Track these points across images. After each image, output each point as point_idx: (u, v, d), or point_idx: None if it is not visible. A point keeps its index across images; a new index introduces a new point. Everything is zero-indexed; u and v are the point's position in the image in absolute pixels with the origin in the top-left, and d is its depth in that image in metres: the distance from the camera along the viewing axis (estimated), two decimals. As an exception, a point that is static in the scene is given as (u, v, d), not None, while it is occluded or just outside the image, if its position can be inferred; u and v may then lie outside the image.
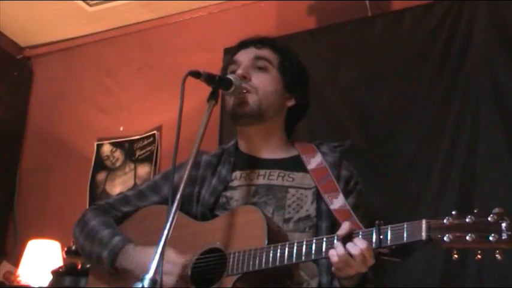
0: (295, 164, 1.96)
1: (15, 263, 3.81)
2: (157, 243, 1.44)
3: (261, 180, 1.93)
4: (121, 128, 4.07)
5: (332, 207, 1.82)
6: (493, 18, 2.92)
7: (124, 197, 2.06)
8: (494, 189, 2.67)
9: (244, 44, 2.07)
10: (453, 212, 1.47)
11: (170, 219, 1.47)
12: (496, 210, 1.43)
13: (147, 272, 1.36)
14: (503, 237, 1.39)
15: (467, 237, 1.42)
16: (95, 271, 2.02)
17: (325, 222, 1.85)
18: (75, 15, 4.18)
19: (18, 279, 3.63)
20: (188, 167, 1.62)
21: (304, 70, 2.10)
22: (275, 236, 1.70)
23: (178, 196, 1.53)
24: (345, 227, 1.62)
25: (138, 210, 2.02)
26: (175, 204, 1.51)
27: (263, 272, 1.67)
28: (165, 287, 1.67)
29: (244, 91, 1.92)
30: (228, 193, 1.93)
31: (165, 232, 1.45)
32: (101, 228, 1.92)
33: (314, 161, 1.95)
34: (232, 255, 1.70)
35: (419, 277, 2.72)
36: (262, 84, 1.96)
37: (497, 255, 1.41)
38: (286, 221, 1.84)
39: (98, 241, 1.89)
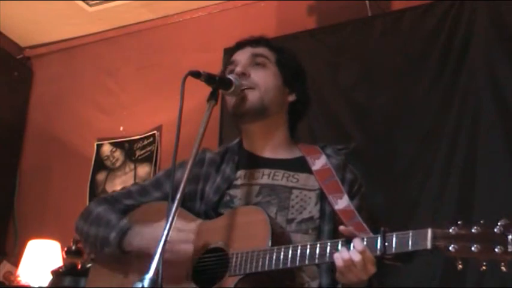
0: (300, 165, 1.96)
1: (15, 263, 3.81)
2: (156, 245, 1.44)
3: (265, 180, 1.92)
4: (121, 128, 4.07)
5: (337, 207, 1.82)
6: (493, 18, 2.92)
7: (127, 192, 2.06)
8: (494, 189, 2.67)
9: (240, 45, 2.07)
10: (459, 222, 1.46)
11: (170, 218, 1.47)
12: (502, 221, 1.42)
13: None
14: (509, 249, 1.39)
15: (473, 248, 1.41)
16: (100, 257, 2.00)
17: (328, 225, 1.85)
18: (75, 15, 4.18)
19: (18, 279, 3.63)
20: (188, 166, 1.61)
21: (301, 65, 2.10)
22: (278, 237, 1.70)
23: (178, 196, 1.53)
24: (349, 229, 1.62)
25: (140, 205, 2.02)
26: (175, 203, 1.51)
27: (265, 273, 1.66)
28: (182, 255, 1.70)
29: (245, 88, 1.92)
30: (232, 191, 1.92)
31: (165, 232, 1.45)
32: (106, 214, 1.92)
33: (319, 163, 1.94)
34: (234, 256, 1.70)
35: (419, 277, 2.72)
36: (263, 80, 1.96)
37: (502, 267, 1.40)
38: (289, 221, 1.84)
39: (105, 224, 1.89)
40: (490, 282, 2.55)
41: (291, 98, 2.03)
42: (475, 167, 2.76)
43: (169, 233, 1.45)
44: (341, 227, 1.64)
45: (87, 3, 4.09)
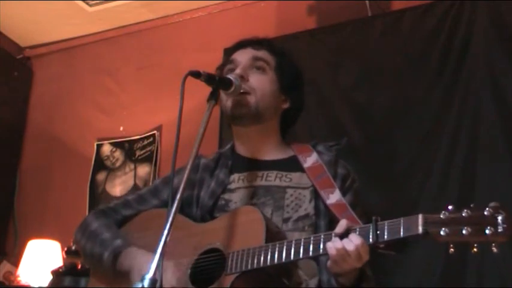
0: (292, 165, 1.97)
1: (15, 263, 3.81)
2: (156, 247, 1.44)
3: (259, 182, 1.93)
4: (121, 128, 4.08)
5: (328, 201, 1.83)
6: (493, 18, 2.92)
7: (124, 201, 2.07)
8: (494, 189, 2.67)
9: (241, 44, 2.07)
10: (449, 207, 1.48)
11: (169, 220, 1.48)
12: (492, 204, 1.44)
13: (144, 275, 1.37)
14: (499, 230, 1.40)
15: (464, 231, 1.43)
16: (96, 272, 2.02)
17: (324, 220, 1.86)
18: (75, 15, 4.18)
19: (18, 279, 3.63)
20: (188, 167, 1.62)
21: (300, 73, 2.10)
22: (274, 236, 1.71)
23: (177, 197, 1.54)
24: (342, 225, 1.63)
25: (138, 213, 2.02)
26: (174, 207, 1.51)
27: (262, 271, 1.67)
28: None
29: (242, 91, 1.92)
30: (227, 196, 1.93)
31: (165, 232, 1.45)
32: (102, 231, 1.93)
33: (310, 160, 1.96)
34: (231, 255, 1.71)
35: (419, 277, 2.72)
36: (261, 86, 1.96)
37: (493, 248, 1.42)
38: (285, 220, 1.85)
39: (100, 242, 1.90)
40: (490, 281, 2.55)
41: (285, 105, 2.04)
42: (475, 167, 2.76)
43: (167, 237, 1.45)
44: (336, 230, 1.64)
45: (87, 3, 4.09)
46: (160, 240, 1.44)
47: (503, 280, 2.51)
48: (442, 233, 1.46)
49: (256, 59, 2.00)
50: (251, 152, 2.02)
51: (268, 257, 1.65)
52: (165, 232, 1.46)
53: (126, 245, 1.86)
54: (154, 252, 1.42)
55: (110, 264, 1.85)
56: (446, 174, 2.82)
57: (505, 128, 2.75)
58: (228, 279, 1.68)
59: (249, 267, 1.66)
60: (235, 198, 1.91)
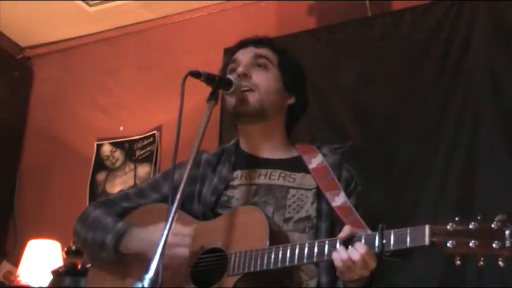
0: (297, 165, 1.96)
1: (15, 263, 3.81)
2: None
3: (262, 180, 1.93)
4: (121, 128, 4.08)
5: (334, 204, 1.83)
6: (493, 18, 2.92)
7: (124, 194, 2.06)
8: (494, 189, 2.67)
9: (243, 44, 2.07)
10: (456, 218, 1.47)
11: (170, 219, 1.47)
12: (500, 217, 1.43)
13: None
14: (506, 244, 1.39)
15: (471, 244, 1.42)
16: (97, 261, 2.00)
17: (325, 223, 1.85)
18: (75, 15, 4.18)
19: (18, 279, 3.63)
20: (188, 167, 1.61)
21: (302, 68, 2.10)
22: (276, 237, 1.71)
23: (178, 196, 1.53)
24: (346, 230, 1.62)
25: (138, 207, 2.02)
26: (175, 204, 1.51)
27: (264, 272, 1.67)
28: (178, 259, 1.68)
29: (246, 89, 1.92)
30: (229, 192, 1.93)
31: (165, 232, 1.45)
32: (103, 217, 1.92)
33: (315, 161, 1.95)
34: (233, 256, 1.70)
35: (419, 277, 2.72)
36: (264, 82, 1.96)
37: (500, 262, 1.41)
38: (286, 220, 1.85)
39: (102, 228, 1.88)
40: (490, 282, 2.55)
41: (290, 101, 2.03)
42: (475, 167, 2.76)
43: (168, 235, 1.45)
44: (340, 235, 1.63)
45: (87, 3, 4.09)
46: (159, 242, 1.44)
47: (504, 280, 2.51)
48: (449, 245, 1.44)
49: (258, 56, 2.00)
50: (255, 150, 2.01)
51: (272, 260, 1.64)
52: (165, 232, 1.45)
53: (127, 226, 1.85)
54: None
55: (114, 247, 1.83)
56: (446, 174, 2.82)
57: (505, 128, 2.75)
58: (230, 280, 1.68)
59: (252, 269, 1.66)
60: (238, 195, 1.91)
